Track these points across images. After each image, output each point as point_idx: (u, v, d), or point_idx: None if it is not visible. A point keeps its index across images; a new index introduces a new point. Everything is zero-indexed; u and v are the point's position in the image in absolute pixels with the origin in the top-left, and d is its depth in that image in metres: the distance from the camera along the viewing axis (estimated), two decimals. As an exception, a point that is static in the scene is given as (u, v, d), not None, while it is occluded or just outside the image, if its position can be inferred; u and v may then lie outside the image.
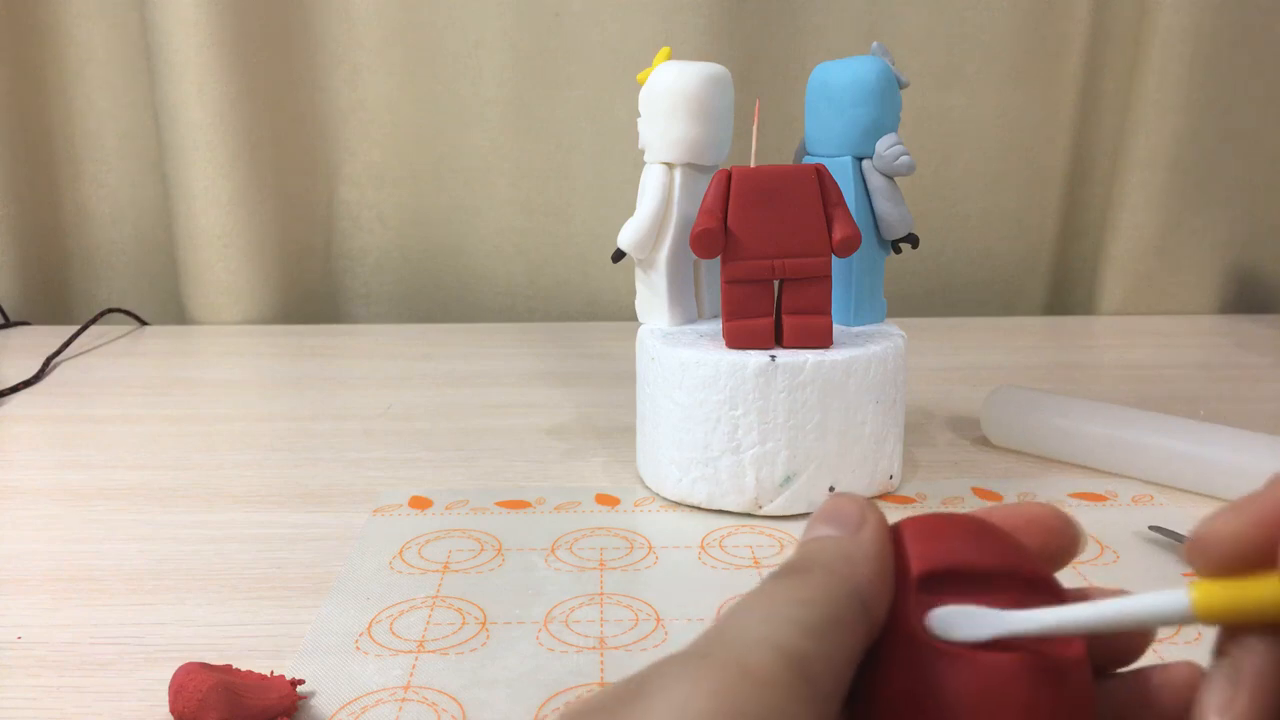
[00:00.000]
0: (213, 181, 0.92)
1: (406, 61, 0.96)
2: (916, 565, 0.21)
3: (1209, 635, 0.20)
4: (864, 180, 0.52)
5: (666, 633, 0.40)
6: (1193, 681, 0.21)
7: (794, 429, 0.48)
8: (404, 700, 0.35)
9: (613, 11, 0.93)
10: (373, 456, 0.59)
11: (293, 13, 0.94)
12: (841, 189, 0.49)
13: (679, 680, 0.17)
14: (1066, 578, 0.22)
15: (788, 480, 0.49)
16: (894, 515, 0.30)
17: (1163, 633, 0.37)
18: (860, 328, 0.54)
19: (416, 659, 0.38)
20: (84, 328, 0.88)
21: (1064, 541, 0.23)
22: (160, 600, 0.43)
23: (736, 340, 0.49)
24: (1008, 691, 0.19)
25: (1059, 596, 0.21)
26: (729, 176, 0.48)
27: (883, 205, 0.52)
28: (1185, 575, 0.44)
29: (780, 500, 0.50)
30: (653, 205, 0.52)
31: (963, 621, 0.20)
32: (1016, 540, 0.22)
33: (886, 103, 0.52)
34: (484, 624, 0.40)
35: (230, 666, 0.35)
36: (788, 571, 0.21)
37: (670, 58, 0.52)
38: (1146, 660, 0.23)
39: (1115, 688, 0.22)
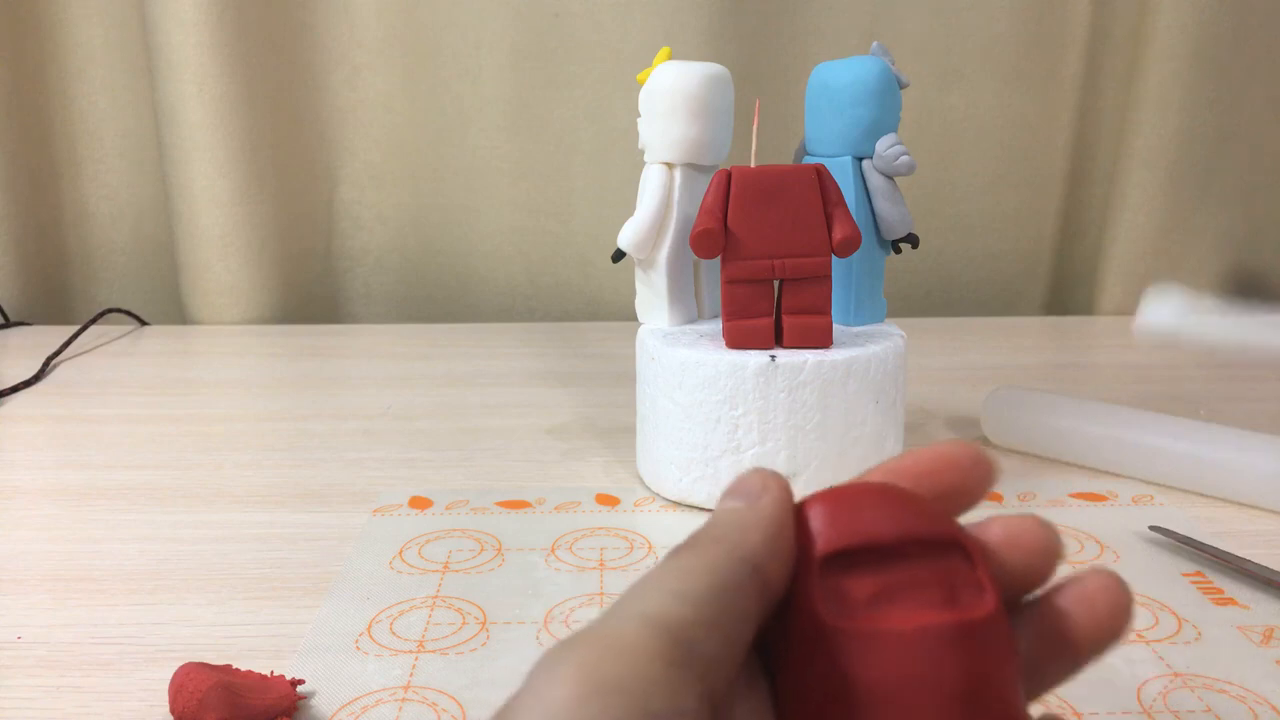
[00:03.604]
0: (213, 181, 0.92)
1: (406, 61, 0.96)
2: (818, 546, 0.21)
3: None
4: (864, 180, 0.52)
5: (666, 633, 0.40)
6: (1108, 587, 0.21)
7: (794, 429, 0.48)
8: (404, 700, 0.35)
9: (613, 11, 0.93)
10: (373, 456, 0.59)
11: (293, 13, 0.94)
12: (841, 189, 0.49)
13: (546, 666, 0.17)
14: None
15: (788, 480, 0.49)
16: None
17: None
18: (860, 328, 0.54)
19: (416, 659, 0.38)
20: (84, 328, 0.88)
21: (978, 476, 0.23)
22: (160, 600, 0.43)
23: (736, 340, 0.49)
24: (910, 664, 0.19)
25: (966, 552, 0.21)
26: (729, 176, 0.48)
27: (883, 205, 0.52)
28: (1184, 575, 0.44)
29: (780, 500, 0.50)
30: (653, 205, 0.52)
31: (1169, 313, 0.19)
32: (922, 502, 0.22)
33: (886, 103, 0.52)
34: (484, 624, 0.40)
35: (230, 666, 0.35)
36: (677, 548, 0.21)
37: (670, 58, 0.52)
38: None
39: (1031, 617, 0.22)
